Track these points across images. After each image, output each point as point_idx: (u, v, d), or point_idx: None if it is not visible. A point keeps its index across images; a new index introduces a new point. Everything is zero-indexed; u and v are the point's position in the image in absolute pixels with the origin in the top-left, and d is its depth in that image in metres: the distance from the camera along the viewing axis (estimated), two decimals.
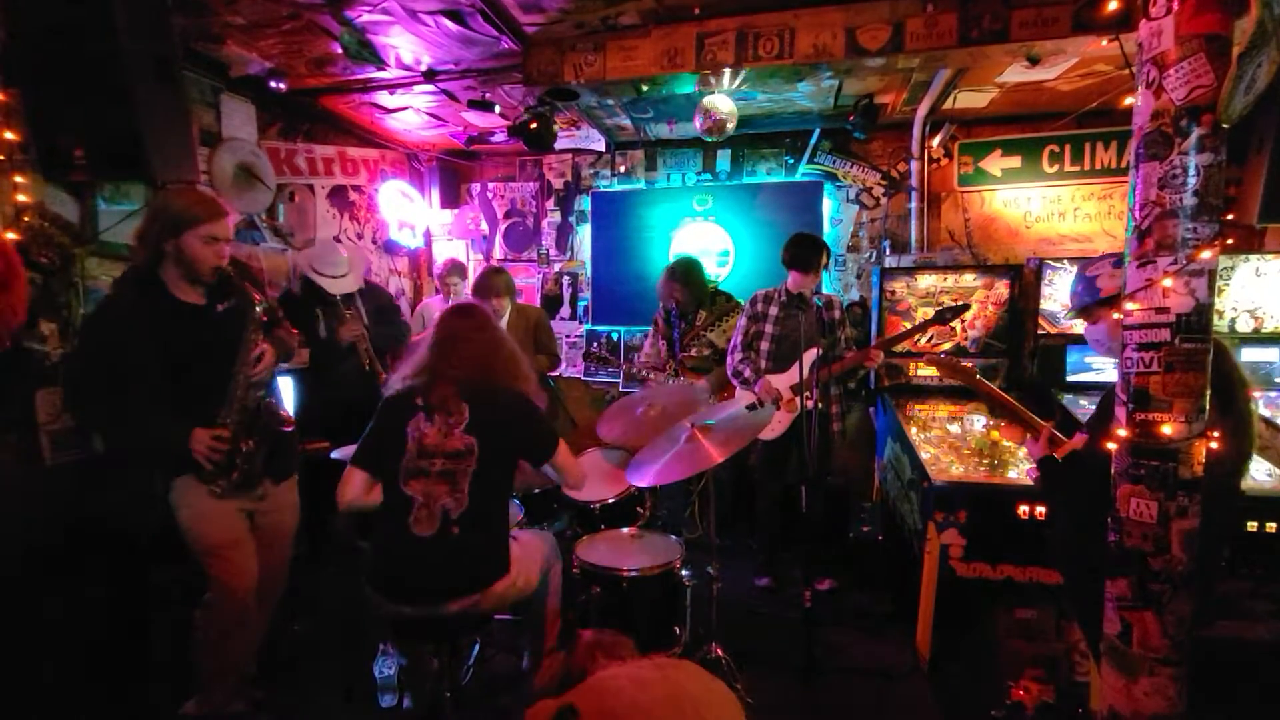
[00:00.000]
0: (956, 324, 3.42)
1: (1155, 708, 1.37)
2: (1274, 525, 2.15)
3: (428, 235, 4.89)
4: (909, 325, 3.31)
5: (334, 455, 2.60)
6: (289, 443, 2.27)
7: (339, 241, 3.46)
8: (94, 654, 2.31)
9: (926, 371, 3.46)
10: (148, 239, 1.99)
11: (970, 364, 2.26)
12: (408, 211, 4.51)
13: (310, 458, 2.75)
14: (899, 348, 3.39)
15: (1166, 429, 1.33)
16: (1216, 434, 1.39)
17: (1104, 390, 1.66)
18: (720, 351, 3.49)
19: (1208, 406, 1.34)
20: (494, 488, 1.92)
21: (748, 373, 3.17)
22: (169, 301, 2.02)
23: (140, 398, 1.95)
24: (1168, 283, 1.31)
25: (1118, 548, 1.41)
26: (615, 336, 4.69)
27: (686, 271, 3.55)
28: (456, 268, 4.00)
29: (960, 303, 3.22)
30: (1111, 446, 1.43)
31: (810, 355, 2.93)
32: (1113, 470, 1.43)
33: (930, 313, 3.21)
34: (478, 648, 2.56)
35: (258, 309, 2.12)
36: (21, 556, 2.21)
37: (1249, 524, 2.16)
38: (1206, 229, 1.29)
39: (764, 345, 3.21)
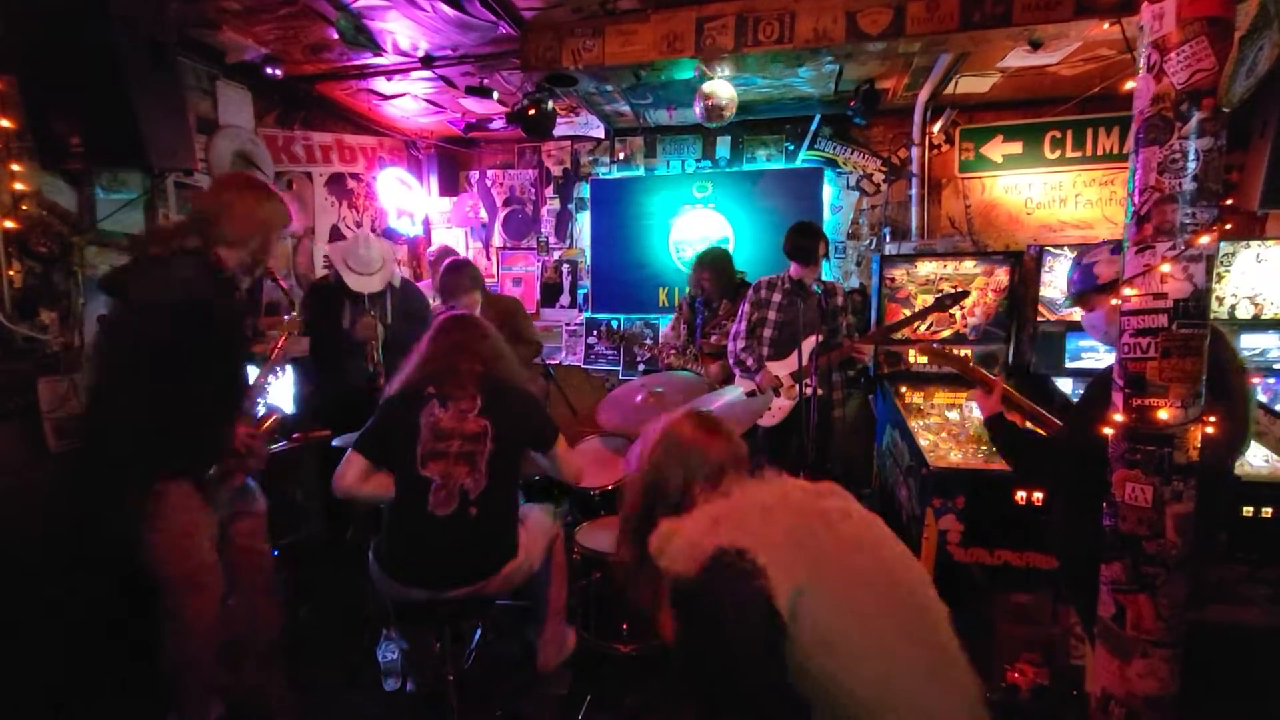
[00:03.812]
0: (956, 310, 3.41)
1: (1148, 688, 1.38)
2: (1270, 510, 2.16)
3: (427, 223, 4.87)
4: (908, 313, 3.31)
5: (335, 443, 2.61)
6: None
7: (364, 237, 3.25)
8: (97, 638, 2.33)
9: (925, 358, 3.46)
10: (249, 239, 1.94)
11: (964, 351, 2.27)
12: (406, 199, 4.49)
13: (317, 446, 2.77)
14: (897, 335, 3.39)
15: (1163, 414, 1.33)
16: (1212, 419, 1.40)
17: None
18: None
19: (1204, 391, 1.35)
20: (507, 471, 1.98)
21: (750, 361, 3.18)
22: (234, 294, 1.97)
23: (208, 391, 1.85)
24: (1166, 268, 1.31)
25: (1113, 531, 1.42)
26: (615, 324, 4.69)
27: (716, 261, 3.54)
28: (446, 255, 3.97)
29: (959, 289, 3.22)
30: (1108, 431, 1.44)
31: (810, 343, 2.93)
32: (1109, 454, 1.44)
33: (930, 300, 3.20)
34: (480, 632, 2.59)
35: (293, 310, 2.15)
36: (26, 542, 2.23)
37: (1245, 509, 2.17)
38: (1205, 214, 1.29)
39: (767, 332, 3.22)
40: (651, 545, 1.18)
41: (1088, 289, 1.70)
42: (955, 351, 2.83)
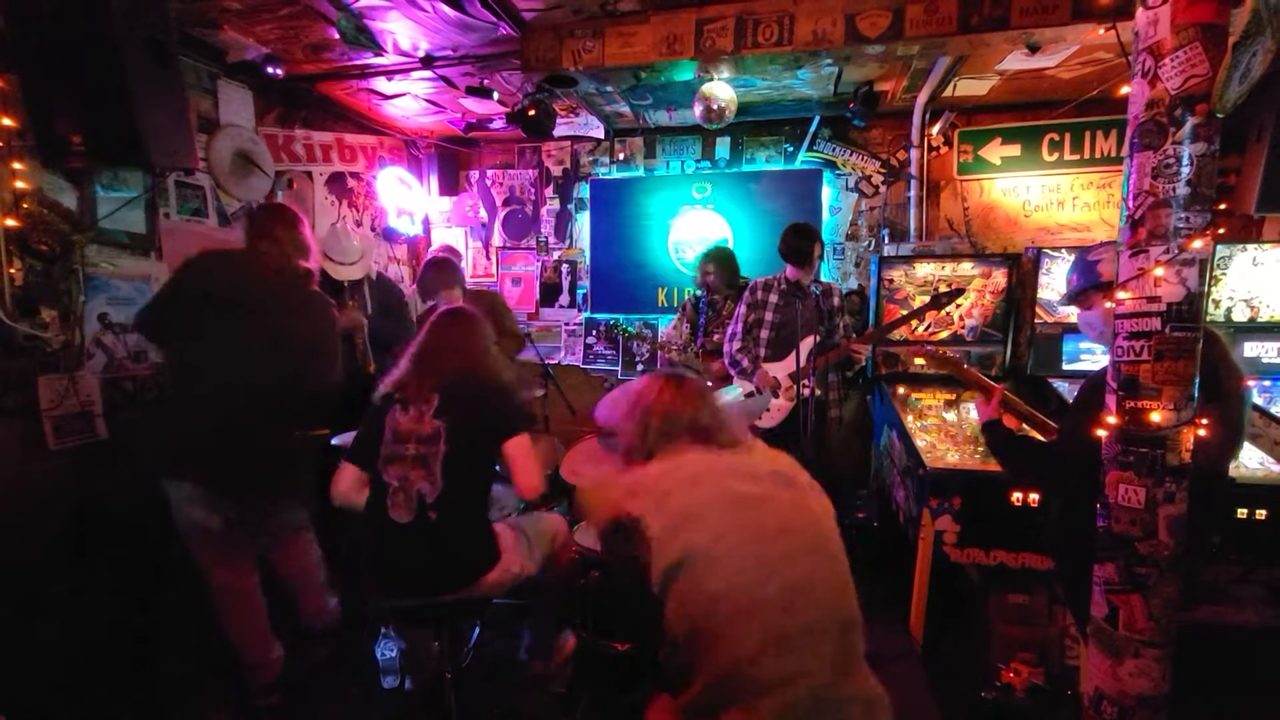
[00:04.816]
0: (954, 312, 3.42)
1: (1140, 688, 1.40)
2: (1264, 512, 2.18)
3: (426, 222, 4.88)
4: (905, 313, 3.32)
5: (334, 441, 2.62)
6: None
7: (342, 228, 3.34)
8: (99, 637, 2.34)
9: (923, 359, 3.47)
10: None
11: (957, 353, 2.28)
12: (406, 199, 4.50)
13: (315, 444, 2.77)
14: (895, 335, 3.40)
15: (1155, 416, 1.34)
16: (1205, 421, 1.41)
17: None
18: None
19: (1196, 393, 1.36)
20: (469, 472, 1.89)
21: (745, 363, 3.19)
22: None
23: None
24: (1159, 272, 1.32)
25: (1106, 532, 1.43)
26: (614, 321, 4.69)
27: (721, 255, 3.62)
28: (447, 254, 3.96)
29: (955, 287, 3.23)
30: (1101, 433, 1.45)
31: (807, 343, 2.94)
32: (1102, 456, 1.45)
33: (927, 300, 3.21)
34: (478, 630, 2.59)
35: None
36: (25, 539, 2.24)
37: (1239, 511, 2.18)
38: (1199, 218, 1.30)
39: (763, 333, 3.23)
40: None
41: (1088, 286, 1.71)
42: (950, 353, 2.84)
